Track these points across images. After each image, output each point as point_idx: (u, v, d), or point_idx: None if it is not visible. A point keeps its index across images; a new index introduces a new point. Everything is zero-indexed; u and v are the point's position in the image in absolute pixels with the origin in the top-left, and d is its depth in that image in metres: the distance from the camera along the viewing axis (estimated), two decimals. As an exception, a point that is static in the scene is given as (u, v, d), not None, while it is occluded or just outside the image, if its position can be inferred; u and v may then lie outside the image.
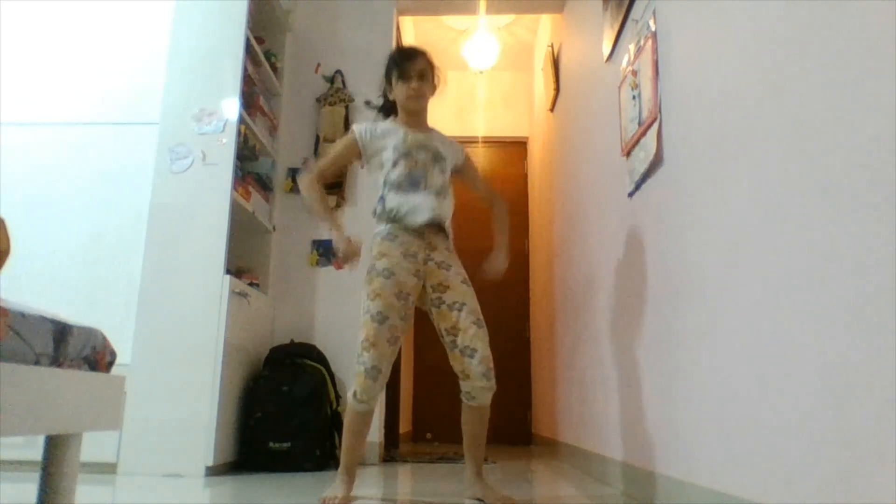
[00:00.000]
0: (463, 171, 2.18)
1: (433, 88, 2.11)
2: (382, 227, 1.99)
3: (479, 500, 1.90)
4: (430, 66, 2.08)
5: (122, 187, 2.84)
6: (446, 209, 2.04)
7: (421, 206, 1.96)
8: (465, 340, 1.89)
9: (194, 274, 2.61)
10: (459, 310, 1.92)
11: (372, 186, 3.37)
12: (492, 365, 1.90)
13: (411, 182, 1.97)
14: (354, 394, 1.86)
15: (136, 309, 2.59)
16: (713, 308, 1.45)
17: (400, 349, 1.98)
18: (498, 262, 2.13)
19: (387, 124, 2.08)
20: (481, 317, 1.95)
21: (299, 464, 2.67)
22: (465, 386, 1.91)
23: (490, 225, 2.21)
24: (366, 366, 1.84)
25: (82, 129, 2.92)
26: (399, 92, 2.05)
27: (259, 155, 3.18)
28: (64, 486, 1.31)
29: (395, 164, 1.98)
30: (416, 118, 2.10)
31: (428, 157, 2.02)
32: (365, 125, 2.08)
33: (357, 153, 2.07)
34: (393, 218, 1.96)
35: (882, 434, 0.86)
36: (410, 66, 2.02)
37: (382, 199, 2.00)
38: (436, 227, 2.00)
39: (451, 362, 1.93)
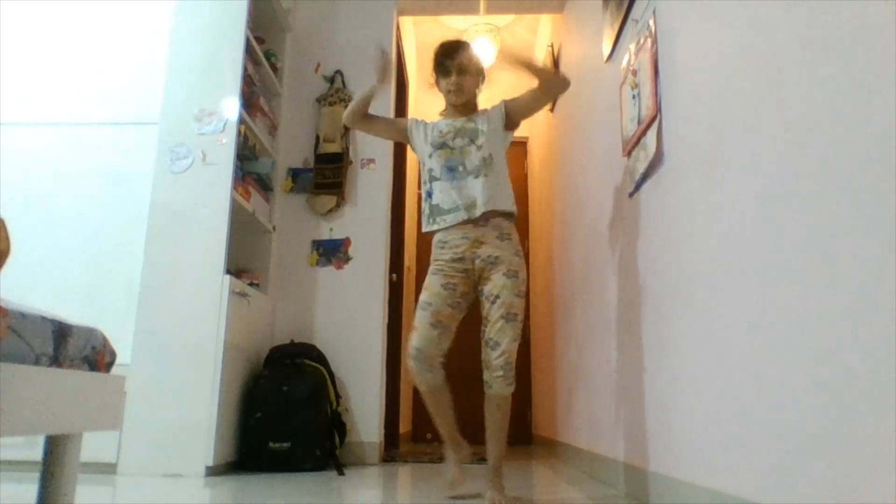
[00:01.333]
0: (513, 115, 2.13)
1: (478, 79, 2.15)
2: (436, 234, 2.07)
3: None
4: (470, 59, 2.11)
5: (122, 187, 2.84)
6: (491, 189, 2.01)
7: (456, 204, 2.00)
8: (490, 332, 1.96)
9: (194, 274, 2.61)
10: (493, 302, 1.97)
11: (372, 186, 3.40)
12: (513, 361, 1.96)
13: (449, 169, 2.04)
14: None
15: (136, 309, 2.59)
16: (713, 307, 1.44)
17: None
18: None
19: (433, 121, 2.18)
20: (515, 311, 1.96)
21: (299, 464, 2.67)
22: (485, 375, 1.97)
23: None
24: (411, 350, 1.99)
25: (82, 129, 2.92)
26: (441, 87, 2.14)
27: (259, 155, 3.18)
28: (64, 486, 1.31)
29: (430, 156, 2.08)
30: (460, 109, 2.14)
31: (465, 141, 2.06)
32: (417, 120, 2.21)
33: (403, 137, 2.22)
34: (433, 218, 2.05)
35: (882, 434, 0.86)
36: (450, 62, 2.09)
37: (427, 194, 2.08)
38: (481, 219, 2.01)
39: (482, 350, 1.99)
